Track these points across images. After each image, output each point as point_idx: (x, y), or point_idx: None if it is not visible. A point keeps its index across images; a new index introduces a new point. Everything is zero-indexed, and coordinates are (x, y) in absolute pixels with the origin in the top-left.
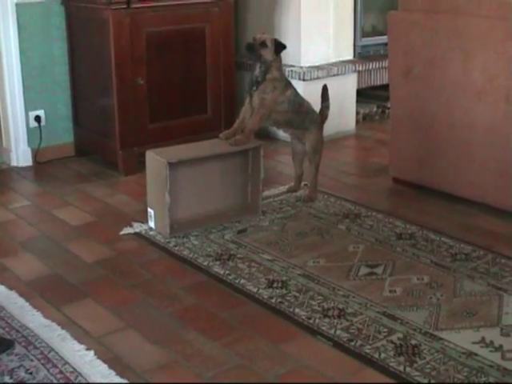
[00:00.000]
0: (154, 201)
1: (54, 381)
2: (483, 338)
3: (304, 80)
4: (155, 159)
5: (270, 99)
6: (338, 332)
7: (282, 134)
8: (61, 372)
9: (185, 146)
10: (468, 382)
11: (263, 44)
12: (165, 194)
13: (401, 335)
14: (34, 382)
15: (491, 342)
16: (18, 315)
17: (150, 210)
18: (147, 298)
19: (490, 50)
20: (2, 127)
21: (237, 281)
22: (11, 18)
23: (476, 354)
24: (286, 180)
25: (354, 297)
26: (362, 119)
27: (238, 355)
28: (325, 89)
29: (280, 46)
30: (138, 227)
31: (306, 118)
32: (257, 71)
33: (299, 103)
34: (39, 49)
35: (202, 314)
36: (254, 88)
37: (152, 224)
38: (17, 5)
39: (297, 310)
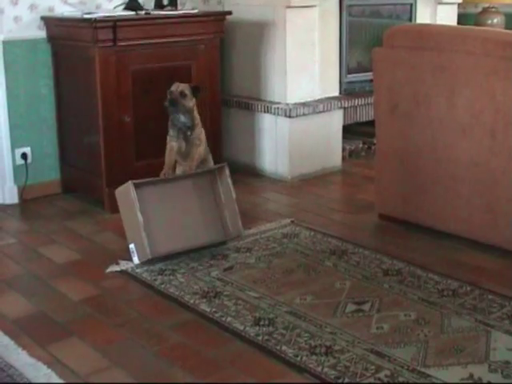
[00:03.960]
0: (131, 232)
1: None
2: (471, 375)
3: (290, 117)
4: (122, 189)
5: (204, 140)
6: (326, 369)
7: (268, 170)
8: None
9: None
10: None
11: (182, 94)
12: (137, 214)
13: (388, 372)
14: None
15: (479, 379)
16: (3, 354)
17: (130, 245)
18: (133, 337)
19: (475, 86)
20: None
21: (223, 318)
22: None
23: None
24: (273, 217)
25: (341, 334)
26: (349, 155)
27: None
28: None
29: (197, 90)
30: (123, 265)
31: None
32: (182, 119)
33: None
34: (26, 86)
35: (189, 352)
36: (189, 133)
37: (136, 259)
38: (3, 42)
39: (284, 348)
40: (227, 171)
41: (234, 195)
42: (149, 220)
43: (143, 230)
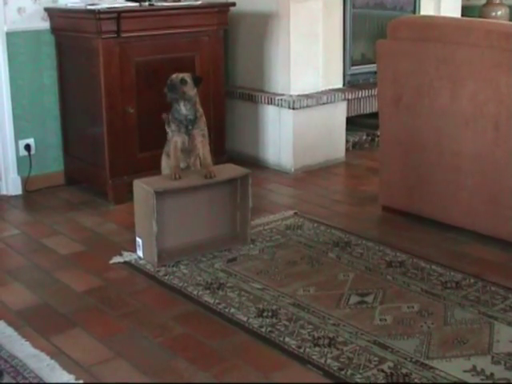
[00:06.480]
0: (141, 230)
1: None
2: (474, 367)
3: (294, 109)
4: (142, 188)
5: (207, 134)
6: (329, 361)
7: (271, 161)
8: None
9: None
10: None
11: (183, 81)
12: (152, 223)
13: (391, 364)
14: None
15: (482, 371)
16: (7, 345)
17: (138, 239)
18: (137, 328)
19: (479, 78)
20: None
21: (227, 310)
22: (1, 47)
23: (467, 383)
24: (276, 208)
25: (344, 325)
26: (352, 147)
27: None
28: None
29: (198, 80)
30: (127, 256)
31: None
32: (183, 110)
33: None
34: (29, 77)
35: (192, 343)
36: (190, 127)
37: (140, 253)
38: (7, 33)
39: (287, 339)
40: (250, 180)
41: (250, 204)
42: (160, 225)
43: (155, 240)
